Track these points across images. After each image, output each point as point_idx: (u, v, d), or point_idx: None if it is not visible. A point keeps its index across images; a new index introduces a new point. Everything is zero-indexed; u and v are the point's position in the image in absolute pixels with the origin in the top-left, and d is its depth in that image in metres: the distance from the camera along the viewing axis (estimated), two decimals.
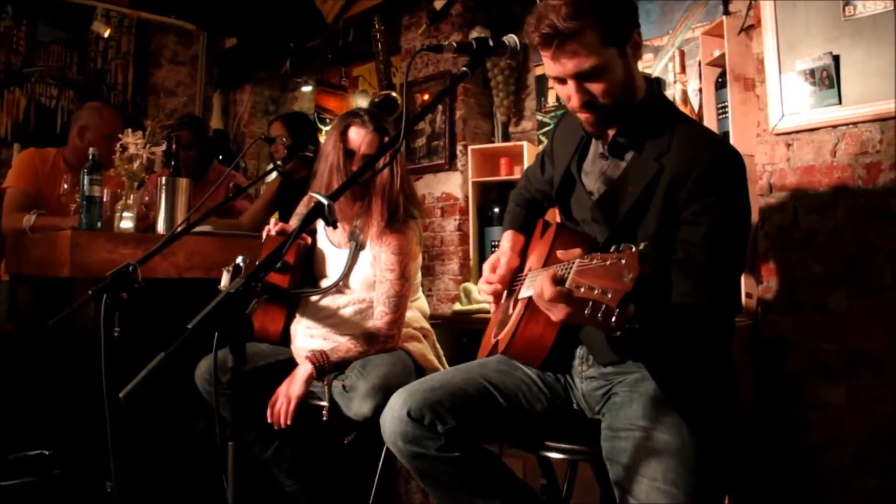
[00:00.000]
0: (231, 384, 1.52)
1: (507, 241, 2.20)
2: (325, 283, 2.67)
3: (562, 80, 1.73)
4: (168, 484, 2.99)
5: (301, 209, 2.92)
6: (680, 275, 1.66)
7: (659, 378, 1.73)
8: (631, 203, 1.74)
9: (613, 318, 1.34)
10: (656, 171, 1.70)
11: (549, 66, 1.72)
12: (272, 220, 2.76)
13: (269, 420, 2.42)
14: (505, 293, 2.12)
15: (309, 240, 2.77)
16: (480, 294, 2.17)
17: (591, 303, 1.36)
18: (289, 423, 2.40)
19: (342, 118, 2.68)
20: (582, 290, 1.36)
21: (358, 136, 2.60)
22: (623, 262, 1.33)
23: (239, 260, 2.48)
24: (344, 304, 2.60)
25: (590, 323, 1.39)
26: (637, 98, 1.79)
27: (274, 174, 4.31)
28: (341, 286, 2.63)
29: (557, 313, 1.53)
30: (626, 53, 1.72)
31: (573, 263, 1.42)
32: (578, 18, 1.61)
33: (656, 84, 1.87)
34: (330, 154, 2.59)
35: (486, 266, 2.13)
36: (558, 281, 1.48)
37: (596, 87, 1.70)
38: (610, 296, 1.32)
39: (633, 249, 1.35)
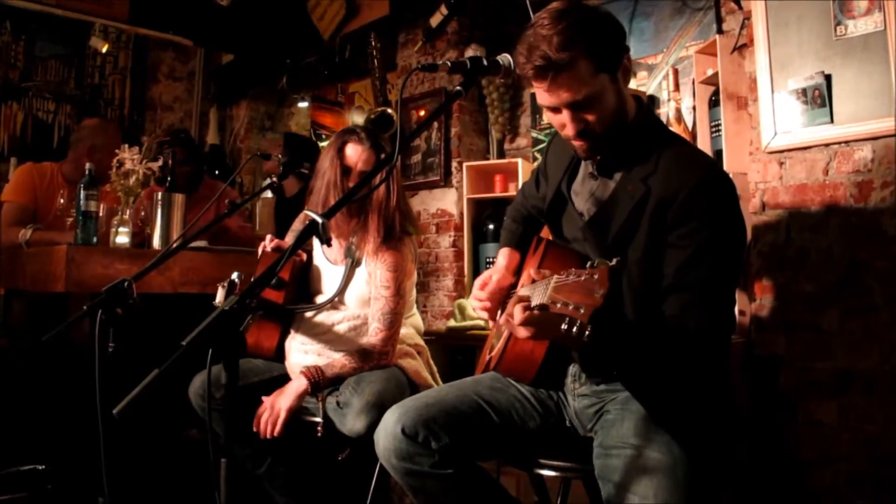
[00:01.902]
0: (224, 400, 1.52)
1: (502, 258, 2.21)
2: (320, 300, 2.68)
3: (556, 110, 1.73)
4: (161, 499, 2.99)
5: (297, 225, 2.92)
6: (667, 298, 1.66)
7: (640, 396, 1.74)
8: (619, 225, 1.74)
9: (587, 334, 1.35)
10: (643, 193, 1.71)
11: (542, 96, 1.71)
12: (268, 237, 2.77)
13: (254, 429, 2.41)
14: (500, 310, 2.13)
15: (304, 256, 2.77)
16: (475, 311, 2.18)
17: (567, 318, 1.36)
18: (276, 433, 2.38)
19: (339, 135, 2.69)
20: (558, 305, 1.37)
21: (355, 153, 2.61)
22: (595, 277, 1.34)
23: (234, 276, 2.49)
24: (339, 320, 2.60)
25: (567, 338, 1.39)
26: (628, 119, 1.79)
27: (269, 194, 4.33)
28: (336, 302, 2.63)
29: (522, 332, 1.54)
30: (618, 78, 1.72)
31: (552, 279, 1.43)
32: (570, 49, 1.60)
33: (646, 103, 1.87)
34: (327, 171, 2.60)
35: (477, 283, 2.14)
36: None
37: (591, 116, 1.70)
38: (582, 311, 1.33)
39: (605, 265, 1.36)
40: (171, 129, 5.15)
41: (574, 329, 1.35)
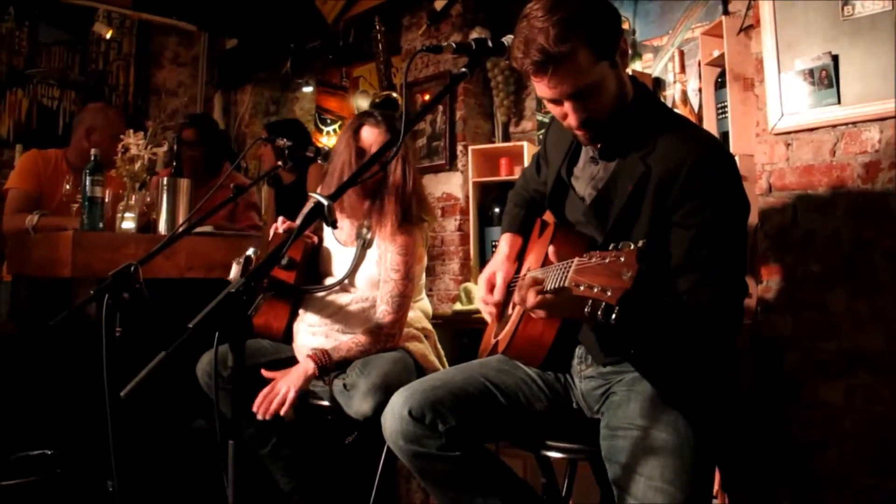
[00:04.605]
0: (231, 381, 1.53)
1: (505, 244, 2.21)
2: (329, 282, 2.68)
3: (557, 101, 1.71)
4: (169, 483, 3.00)
5: (307, 209, 2.92)
6: (678, 278, 1.66)
7: (651, 377, 1.74)
8: (621, 205, 1.74)
9: (614, 316, 1.35)
10: (643, 172, 1.70)
11: (542, 90, 1.69)
12: (280, 219, 2.77)
13: (254, 408, 2.39)
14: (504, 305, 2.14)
15: (315, 239, 2.78)
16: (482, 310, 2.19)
17: (590, 301, 1.37)
18: (282, 413, 2.38)
19: (356, 118, 2.70)
20: (581, 288, 1.37)
21: (370, 136, 2.61)
22: (622, 259, 1.34)
23: (250, 251, 2.48)
24: (347, 302, 2.61)
25: (587, 320, 1.40)
26: (627, 101, 1.78)
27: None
28: (346, 284, 2.64)
29: (538, 313, 1.57)
30: (617, 63, 1.70)
31: (572, 262, 1.43)
32: (568, 40, 1.58)
33: (642, 83, 1.85)
34: (342, 152, 2.61)
35: (483, 283, 2.14)
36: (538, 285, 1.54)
37: (592, 105, 1.69)
38: (609, 293, 1.33)
39: (632, 247, 1.36)
40: (189, 114, 5.15)
41: (599, 311, 1.35)
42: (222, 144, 4.19)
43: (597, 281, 1.35)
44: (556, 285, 1.51)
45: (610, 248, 1.39)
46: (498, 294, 2.09)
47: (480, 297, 2.14)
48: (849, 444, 2.47)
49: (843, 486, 2.48)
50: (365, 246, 2.64)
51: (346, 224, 2.69)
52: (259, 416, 2.38)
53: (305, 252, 2.69)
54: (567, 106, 1.70)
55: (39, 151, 3.74)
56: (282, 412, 2.38)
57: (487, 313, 2.12)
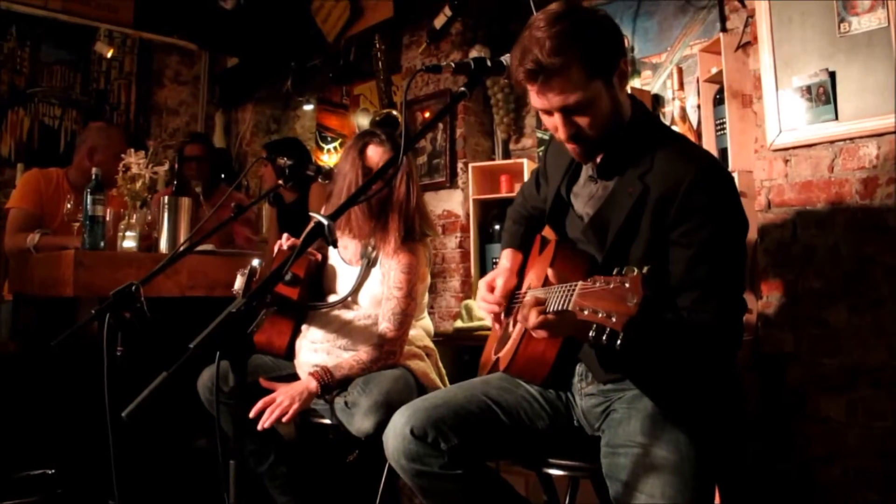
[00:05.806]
0: (231, 398, 1.53)
1: (505, 259, 2.21)
2: (333, 299, 2.68)
3: (549, 112, 1.72)
4: (170, 502, 3.00)
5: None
6: (678, 296, 1.66)
7: (653, 394, 1.74)
8: (619, 224, 1.74)
9: (619, 342, 1.34)
10: (641, 191, 1.71)
11: (534, 99, 1.71)
12: (284, 236, 2.78)
13: (252, 414, 2.37)
14: (504, 312, 2.13)
15: (319, 256, 2.78)
16: (480, 311, 2.18)
17: (594, 325, 1.36)
18: (282, 421, 2.37)
19: (359, 137, 2.70)
20: (586, 312, 1.36)
21: (376, 154, 2.62)
22: (627, 285, 1.33)
23: (255, 262, 2.49)
24: (350, 319, 2.61)
25: (590, 343, 1.40)
26: (624, 121, 1.78)
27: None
28: (349, 302, 2.64)
29: (540, 333, 1.58)
30: (613, 84, 1.71)
31: (576, 285, 1.43)
32: (563, 54, 1.59)
33: (640, 103, 1.85)
34: (348, 173, 2.61)
35: (483, 285, 2.14)
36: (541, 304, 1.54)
37: (583, 121, 1.69)
38: (615, 319, 1.32)
39: (636, 273, 1.35)
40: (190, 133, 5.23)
41: (604, 337, 1.34)
42: (221, 161, 4.25)
43: (601, 306, 1.34)
44: (559, 307, 1.51)
45: (614, 272, 1.38)
46: (498, 294, 2.09)
47: (481, 297, 2.13)
48: (852, 458, 2.47)
49: (847, 501, 2.47)
50: (370, 264, 2.65)
51: (351, 243, 2.70)
52: (259, 427, 2.37)
53: (309, 269, 2.70)
54: (557, 118, 1.71)
55: (41, 170, 3.76)
56: (284, 419, 2.37)
57: (487, 312, 2.12)
